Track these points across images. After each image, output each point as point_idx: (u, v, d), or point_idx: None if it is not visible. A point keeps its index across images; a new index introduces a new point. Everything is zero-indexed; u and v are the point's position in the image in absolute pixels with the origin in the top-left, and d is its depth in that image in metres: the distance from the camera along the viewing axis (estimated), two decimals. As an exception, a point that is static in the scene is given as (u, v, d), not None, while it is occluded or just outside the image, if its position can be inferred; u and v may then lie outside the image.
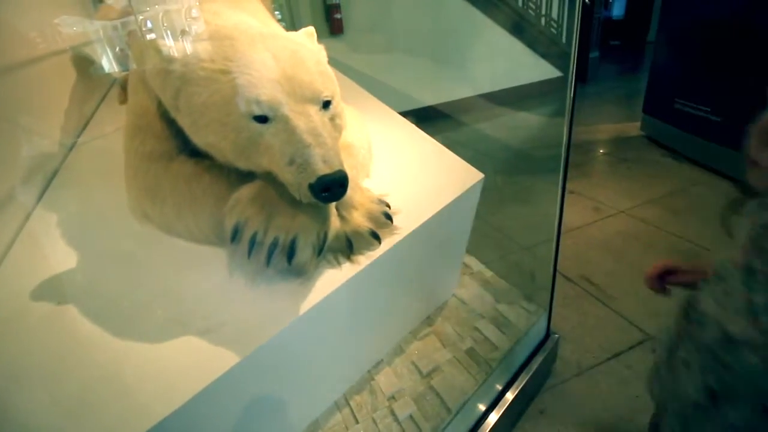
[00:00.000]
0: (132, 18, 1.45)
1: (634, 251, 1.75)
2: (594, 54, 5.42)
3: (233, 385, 0.61)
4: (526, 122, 3.34)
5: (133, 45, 1.06)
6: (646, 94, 2.97)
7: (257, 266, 0.65)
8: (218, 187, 0.72)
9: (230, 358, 0.58)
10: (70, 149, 1.17)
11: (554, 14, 4.32)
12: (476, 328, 1.02)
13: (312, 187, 0.58)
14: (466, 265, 1.24)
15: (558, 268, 1.56)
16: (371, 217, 0.76)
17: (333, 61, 0.84)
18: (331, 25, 3.33)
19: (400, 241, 0.79)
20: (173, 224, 0.76)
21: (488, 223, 1.69)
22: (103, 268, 0.75)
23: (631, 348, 1.27)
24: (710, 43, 2.31)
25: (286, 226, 0.63)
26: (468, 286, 1.16)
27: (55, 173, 1.06)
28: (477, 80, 3.55)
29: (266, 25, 0.86)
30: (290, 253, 0.63)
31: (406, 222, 0.81)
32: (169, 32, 0.88)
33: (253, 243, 0.63)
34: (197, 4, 0.82)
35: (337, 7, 3.27)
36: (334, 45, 3.13)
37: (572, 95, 1.09)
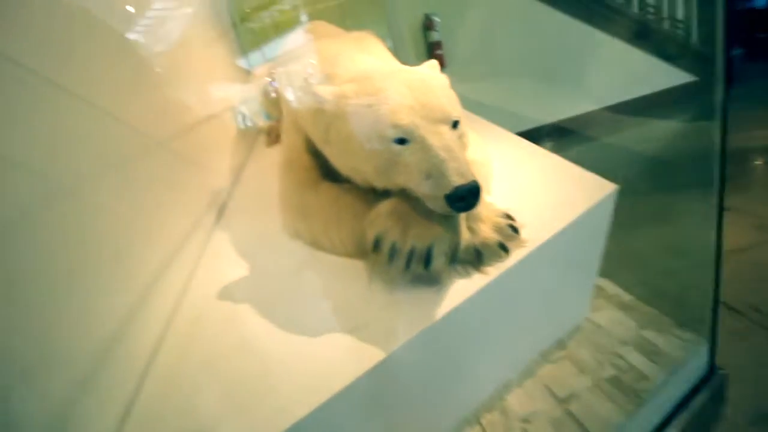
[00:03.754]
0: (271, 80, 1.76)
1: (827, 277, 1.40)
2: (737, 51, 4.67)
3: (371, 386, 0.66)
4: (661, 132, 2.96)
5: (282, 98, 1.29)
6: None
7: (395, 274, 0.71)
8: (358, 206, 0.81)
9: (373, 356, 0.64)
10: (235, 184, 1.44)
11: (679, 15, 3.87)
12: (619, 355, 0.92)
13: (448, 198, 0.63)
14: (599, 288, 1.14)
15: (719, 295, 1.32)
16: (498, 230, 0.78)
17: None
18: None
19: (529, 255, 0.78)
20: (320, 239, 0.88)
21: (624, 244, 1.53)
22: (266, 277, 0.90)
23: (836, 398, 1.00)
24: None
25: (421, 235, 0.68)
26: (603, 309, 1.07)
27: (225, 204, 1.31)
28: (598, 93, 3.31)
29: (392, 63, 0.98)
30: (426, 260, 0.68)
31: (534, 235, 0.80)
32: (310, 82, 1.05)
33: (392, 252, 0.69)
34: (331, 56, 0.97)
35: (438, 44, 3.46)
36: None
37: (724, 98, 0.98)
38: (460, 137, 0.74)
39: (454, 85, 0.89)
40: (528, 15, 3.40)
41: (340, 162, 0.84)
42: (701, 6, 3.81)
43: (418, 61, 0.90)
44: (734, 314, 1.29)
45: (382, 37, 1.28)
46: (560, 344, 0.97)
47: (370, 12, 3.16)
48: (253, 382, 0.64)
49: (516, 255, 0.77)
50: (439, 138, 0.67)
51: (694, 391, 0.92)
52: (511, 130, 1.34)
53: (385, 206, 0.74)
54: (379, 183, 0.76)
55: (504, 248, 0.76)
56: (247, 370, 0.66)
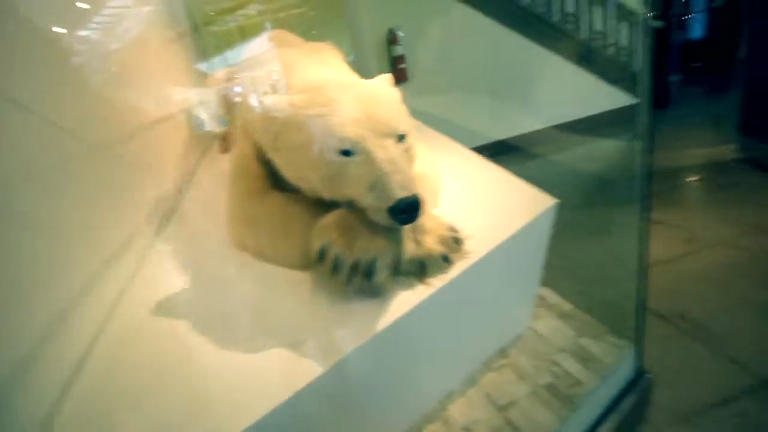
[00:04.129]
0: (230, 85, 1.72)
1: (743, 285, 1.54)
2: (676, 77, 5.12)
3: (312, 399, 0.65)
4: (604, 151, 3.18)
5: (235, 104, 1.26)
6: (743, 114, 2.71)
7: (339, 286, 0.71)
8: (305, 216, 0.81)
9: (313, 371, 0.63)
10: (183, 191, 1.38)
11: (623, 42, 4.19)
12: (556, 362, 0.97)
13: (391, 210, 0.64)
14: (541, 297, 1.19)
15: (648, 304, 1.43)
16: (442, 242, 0.80)
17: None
18: (397, 75, 3.59)
19: (472, 266, 0.81)
20: (266, 251, 0.86)
21: (566, 256, 1.62)
22: (208, 289, 0.86)
23: (743, 393, 1.10)
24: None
25: (365, 248, 0.69)
26: (544, 318, 1.12)
27: (170, 212, 1.26)
28: (547, 112, 3.52)
29: (347, 75, 0.99)
30: (369, 273, 0.68)
31: (478, 247, 0.83)
32: (265, 90, 1.05)
33: (336, 264, 0.69)
34: (287, 66, 0.97)
35: (401, 58, 3.53)
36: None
37: (648, 120, 1.07)
38: (407, 151, 0.76)
39: (415, 98, 0.91)
40: (487, 34, 3.55)
41: (288, 171, 0.83)
42: (644, 36, 4.14)
43: (380, 74, 0.92)
44: (662, 321, 1.40)
45: (344, 50, 1.29)
46: (502, 353, 1.00)
47: (335, 24, 3.17)
48: (185, 400, 0.62)
49: (459, 266, 0.80)
50: (384, 151, 0.68)
51: (623, 394, 0.99)
52: (466, 144, 1.39)
53: (331, 218, 0.74)
54: (326, 194, 0.77)
55: (447, 260, 0.78)
56: (180, 387, 0.64)
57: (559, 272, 1.22)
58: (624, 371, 1.02)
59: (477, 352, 0.98)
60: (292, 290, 0.78)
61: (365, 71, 1.10)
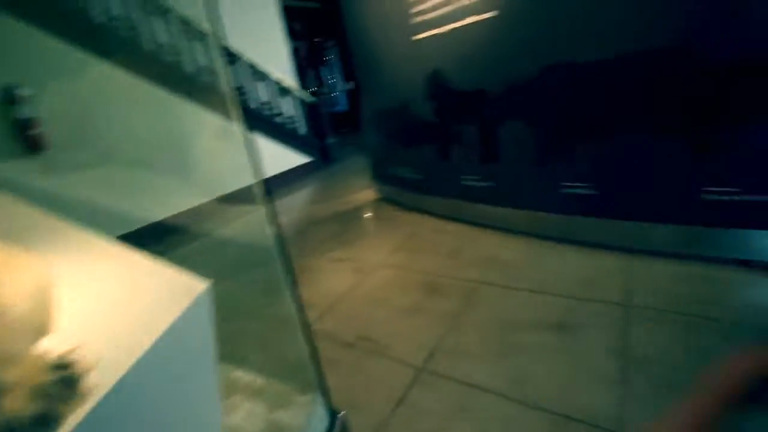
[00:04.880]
0: None
1: (394, 295, 2.02)
2: (333, 140, 6.50)
3: None
4: (286, 207, 3.53)
5: None
6: (370, 166, 3.76)
7: None
8: None
9: None
10: None
11: (291, 113, 4.95)
12: (251, 456, 0.89)
13: None
14: (232, 382, 1.10)
15: (336, 337, 1.61)
16: (40, 393, 0.57)
17: (24, 186, 0.64)
18: (27, 142, 2.79)
19: (97, 407, 0.61)
20: None
21: (251, 326, 1.59)
22: None
23: (410, 388, 1.39)
24: (392, 126, 3.14)
25: None
26: (238, 407, 1.03)
27: None
28: (215, 183, 3.56)
29: None
30: None
31: (109, 373, 0.65)
32: None
33: None
34: None
35: (34, 121, 2.78)
36: (29, 165, 2.55)
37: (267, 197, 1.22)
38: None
39: (49, 174, 0.62)
40: (144, 98, 3.29)
41: None
42: (304, 108, 5.06)
43: (4, 142, 0.57)
44: (350, 349, 1.61)
45: None
46: (189, 479, 0.83)
47: None
48: None
49: (76, 415, 0.59)
50: None
51: (323, 446, 1.03)
52: (115, 232, 1.15)
53: None
54: None
55: (45, 419, 0.55)
56: None
57: (248, 346, 1.18)
58: (318, 424, 1.06)
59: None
60: None
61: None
